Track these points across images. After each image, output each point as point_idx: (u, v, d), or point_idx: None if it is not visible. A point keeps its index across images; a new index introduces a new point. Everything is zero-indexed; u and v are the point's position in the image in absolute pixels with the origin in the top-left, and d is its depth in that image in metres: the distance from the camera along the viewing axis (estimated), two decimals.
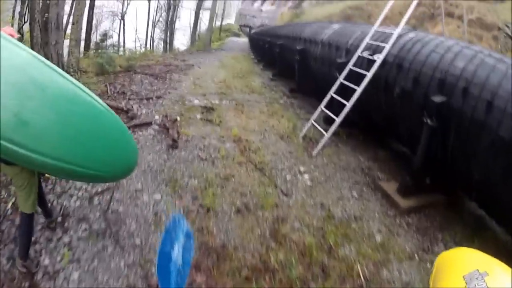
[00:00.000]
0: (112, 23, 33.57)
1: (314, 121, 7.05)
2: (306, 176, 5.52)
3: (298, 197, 4.92)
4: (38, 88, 2.22)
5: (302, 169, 5.69)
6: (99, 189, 4.49)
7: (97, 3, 23.74)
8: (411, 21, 16.16)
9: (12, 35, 2.72)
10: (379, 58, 5.98)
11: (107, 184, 4.55)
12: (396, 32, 6.12)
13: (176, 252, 2.26)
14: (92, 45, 21.82)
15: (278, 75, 13.69)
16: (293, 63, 10.94)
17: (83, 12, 12.12)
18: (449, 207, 4.82)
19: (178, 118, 6.96)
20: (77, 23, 11.11)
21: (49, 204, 3.86)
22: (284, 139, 6.85)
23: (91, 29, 22.56)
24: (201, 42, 29.20)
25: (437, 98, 4.50)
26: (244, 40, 37.46)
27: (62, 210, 3.99)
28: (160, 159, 5.40)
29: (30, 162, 2.16)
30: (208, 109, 7.96)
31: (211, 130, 6.76)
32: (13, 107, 2.07)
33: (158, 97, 8.58)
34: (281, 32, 14.20)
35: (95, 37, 25.20)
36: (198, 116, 7.43)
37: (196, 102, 8.59)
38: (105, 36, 25.05)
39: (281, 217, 4.36)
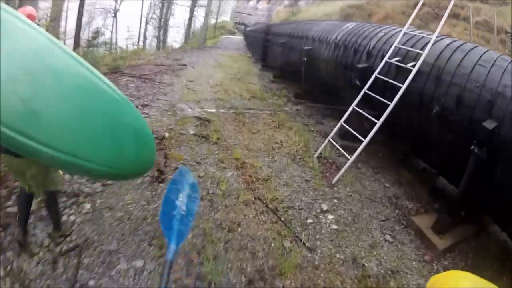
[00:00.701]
0: (105, 20, 32.25)
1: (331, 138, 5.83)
2: (330, 216, 4.36)
3: (324, 250, 3.80)
4: (53, 76, 2.07)
5: (324, 206, 4.51)
6: (64, 247, 3.28)
7: None
8: (414, 21, 15.21)
9: (31, 16, 2.63)
10: (414, 67, 4.88)
11: (74, 239, 3.42)
12: (434, 36, 5.09)
13: (181, 201, 2.21)
14: (84, 43, 20.45)
15: (280, 77, 12.48)
16: (298, 65, 9.77)
17: (62, 9, 10.93)
18: (476, 237, 4.39)
19: (167, 135, 5.67)
20: (55, 21, 9.89)
21: None
22: (296, 160, 5.64)
23: (80, 27, 21.22)
24: (196, 40, 28.09)
25: (490, 124, 3.79)
26: (239, 38, 36.25)
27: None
28: (142, 199, 4.09)
29: (37, 155, 2.00)
30: (203, 121, 6.67)
31: (207, 151, 5.48)
32: (23, 94, 1.93)
33: (144, 106, 7.23)
34: (282, 30, 13.02)
35: (87, 34, 23.91)
36: (191, 131, 6.13)
37: (188, 111, 7.31)
38: (97, 33, 23.74)
39: (308, 286, 3.24)
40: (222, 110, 7.80)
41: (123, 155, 2.30)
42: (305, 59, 8.96)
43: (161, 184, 4.37)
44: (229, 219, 3.97)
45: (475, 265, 3.91)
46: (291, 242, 3.79)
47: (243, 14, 41.53)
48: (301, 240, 3.84)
